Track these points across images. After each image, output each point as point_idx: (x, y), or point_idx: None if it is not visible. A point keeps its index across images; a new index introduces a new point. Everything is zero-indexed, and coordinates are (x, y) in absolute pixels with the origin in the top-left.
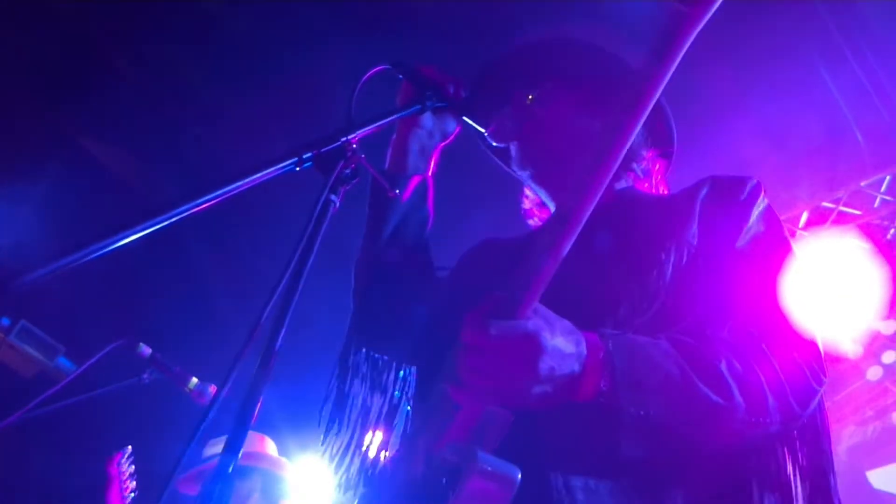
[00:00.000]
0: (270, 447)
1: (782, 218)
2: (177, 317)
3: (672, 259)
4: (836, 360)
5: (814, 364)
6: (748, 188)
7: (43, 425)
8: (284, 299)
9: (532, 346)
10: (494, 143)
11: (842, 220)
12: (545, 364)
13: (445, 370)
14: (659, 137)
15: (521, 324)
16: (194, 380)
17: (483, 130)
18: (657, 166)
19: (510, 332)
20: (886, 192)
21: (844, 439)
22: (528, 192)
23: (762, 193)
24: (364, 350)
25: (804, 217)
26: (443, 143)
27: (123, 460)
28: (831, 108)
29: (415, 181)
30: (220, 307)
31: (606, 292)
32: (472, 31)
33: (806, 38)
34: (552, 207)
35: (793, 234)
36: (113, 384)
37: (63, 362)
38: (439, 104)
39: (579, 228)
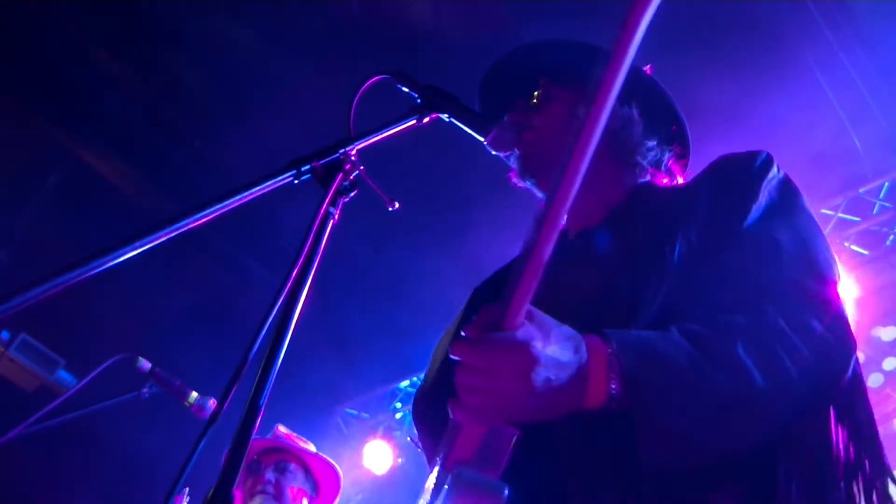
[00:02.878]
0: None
1: None
2: (176, 330)
3: (676, 252)
4: None
5: (839, 332)
6: (757, 163)
7: (42, 440)
8: (285, 312)
9: (524, 357)
10: (494, 153)
11: (841, 226)
12: (540, 375)
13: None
14: (669, 132)
15: (509, 335)
16: (194, 394)
17: (483, 139)
18: (668, 156)
19: (499, 345)
20: (885, 199)
21: None
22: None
23: (773, 167)
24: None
25: None
26: None
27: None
28: (829, 116)
29: None
30: (221, 320)
31: (612, 297)
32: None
33: (803, 46)
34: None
35: None
36: (112, 399)
37: (63, 375)
38: (439, 113)
39: (556, 227)
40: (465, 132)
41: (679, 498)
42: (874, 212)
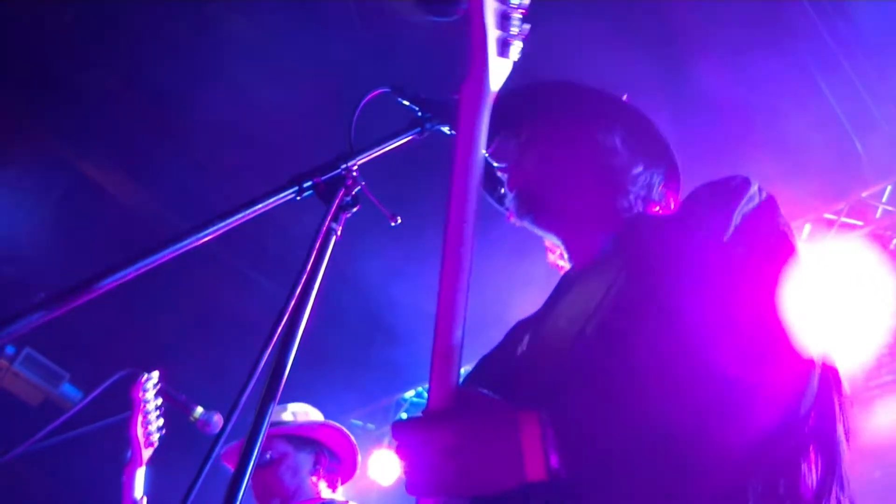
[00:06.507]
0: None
1: None
2: (181, 345)
3: (645, 285)
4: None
5: (796, 367)
6: (732, 187)
7: (46, 455)
8: (290, 326)
9: (444, 435)
10: (495, 164)
11: (844, 231)
12: (462, 453)
13: None
14: (654, 154)
15: (432, 416)
16: (199, 409)
17: (483, 151)
18: (658, 180)
19: (421, 425)
20: (888, 203)
21: None
22: (547, 243)
23: (749, 190)
24: None
25: (807, 229)
26: None
27: (149, 386)
28: (831, 120)
29: None
30: (226, 334)
31: (587, 333)
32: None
33: (804, 51)
34: (566, 253)
35: None
36: (117, 415)
37: (68, 389)
38: (439, 126)
39: (457, 314)
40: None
41: None
42: (877, 215)
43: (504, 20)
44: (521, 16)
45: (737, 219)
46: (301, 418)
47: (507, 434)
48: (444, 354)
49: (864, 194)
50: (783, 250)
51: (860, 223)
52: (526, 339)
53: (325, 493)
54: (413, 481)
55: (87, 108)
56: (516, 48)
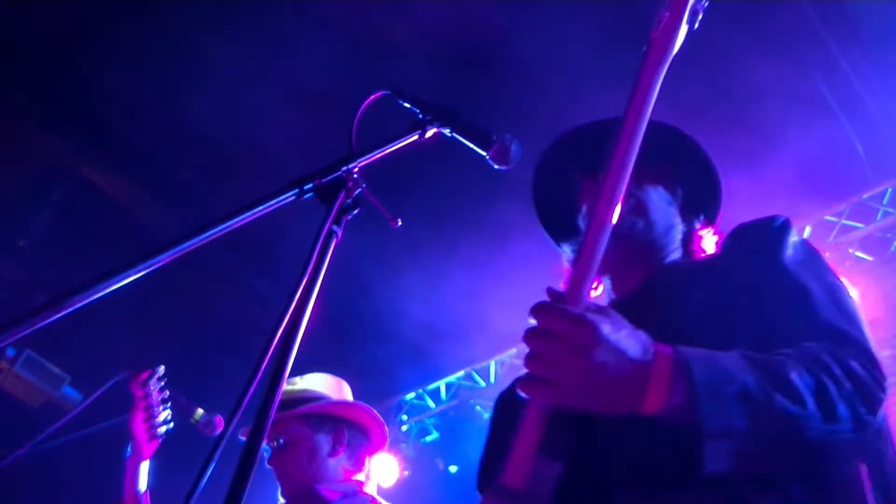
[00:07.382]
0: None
1: None
2: (181, 346)
3: (706, 308)
4: None
5: (876, 371)
6: (778, 223)
7: (46, 458)
8: (290, 328)
9: (588, 333)
10: (496, 166)
11: (845, 232)
12: (599, 356)
13: None
14: (706, 203)
15: (580, 312)
16: (200, 410)
17: (484, 153)
18: (703, 231)
19: (571, 316)
20: (889, 204)
21: None
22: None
23: (793, 228)
24: None
25: (807, 231)
26: None
27: (152, 380)
28: (831, 122)
29: None
30: (226, 337)
31: None
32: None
33: (804, 53)
34: (611, 289)
35: None
36: (118, 417)
37: (69, 391)
38: (440, 128)
39: (607, 216)
40: (467, 147)
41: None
42: (878, 217)
43: None
44: None
45: (791, 245)
46: (329, 393)
47: (644, 356)
48: (588, 261)
49: (865, 196)
50: (840, 282)
51: (861, 225)
52: None
53: (355, 476)
54: (536, 369)
55: (88, 110)
56: (698, 20)
